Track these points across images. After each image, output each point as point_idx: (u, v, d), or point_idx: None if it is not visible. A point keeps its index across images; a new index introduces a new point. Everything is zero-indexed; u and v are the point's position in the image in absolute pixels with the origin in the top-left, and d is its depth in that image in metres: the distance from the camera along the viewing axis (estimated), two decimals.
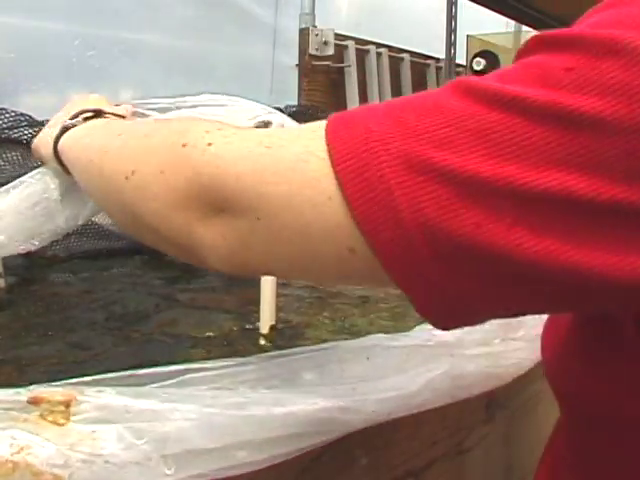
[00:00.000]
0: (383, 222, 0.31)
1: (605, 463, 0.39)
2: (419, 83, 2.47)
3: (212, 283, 0.88)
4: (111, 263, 0.96)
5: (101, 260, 0.97)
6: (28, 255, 0.92)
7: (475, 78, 0.32)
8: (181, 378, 0.41)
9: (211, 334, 0.68)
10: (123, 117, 0.59)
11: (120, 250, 1.01)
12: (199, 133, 0.39)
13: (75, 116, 0.55)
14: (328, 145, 0.34)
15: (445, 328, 0.35)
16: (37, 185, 0.61)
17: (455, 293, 0.32)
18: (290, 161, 0.35)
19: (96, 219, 1.00)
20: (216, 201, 0.36)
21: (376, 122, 0.33)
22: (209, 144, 0.38)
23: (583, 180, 0.28)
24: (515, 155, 0.29)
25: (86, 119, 0.55)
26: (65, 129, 0.55)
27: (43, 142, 0.59)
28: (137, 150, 0.43)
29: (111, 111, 0.58)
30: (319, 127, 0.35)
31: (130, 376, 0.41)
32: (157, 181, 0.39)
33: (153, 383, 0.40)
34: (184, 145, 0.38)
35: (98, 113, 0.56)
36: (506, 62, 2.49)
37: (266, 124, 0.64)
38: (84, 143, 0.51)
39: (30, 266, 0.91)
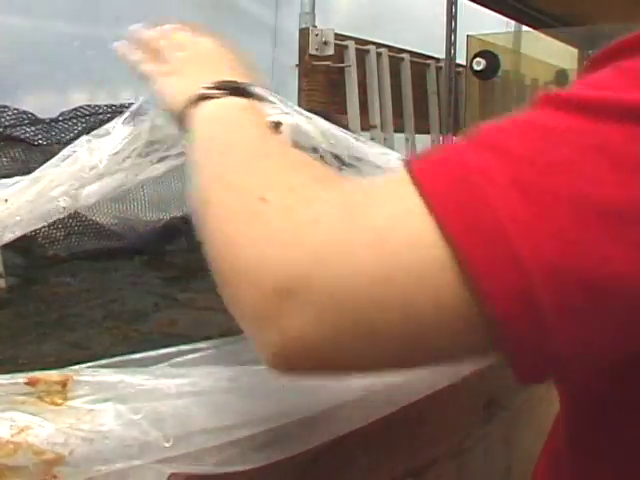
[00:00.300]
0: (497, 265, 0.27)
1: (603, 457, 0.38)
2: (419, 83, 2.47)
3: (212, 283, 0.88)
4: (112, 263, 0.96)
5: (102, 260, 0.97)
6: (29, 255, 0.92)
7: (571, 90, 0.29)
8: (175, 360, 0.42)
9: (209, 334, 0.68)
10: (270, 102, 0.54)
11: (121, 250, 1.01)
12: (282, 190, 0.34)
13: (218, 87, 0.49)
14: (422, 194, 0.29)
15: (533, 382, 0.30)
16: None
17: (575, 345, 0.28)
18: (381, 226, 0.29)
19: (97, 219, 1.00)
20: (287, 281, 0.30)
21: (471, 155, 0.29)
22: (289, 208, 0.32)
23: None
24: None
25: (228, 92, 0.49)
26: (203, 97, 0.49)
27: (174, 91, 0.53)
28: (220, 180, 0.38)
29: (258, 92, 0.51)
30: (402, 177, 0.30)
31: (123, 362, 0.41)
32: (223, 230, 0.35)
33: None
34: (262, 199, 0.33)
35: (241, 91, 0.49)
36: (506, 62, 2.49)
37: (277, 125, 0.64)
38: (205, 129, 0.47)
39: (31, 266, 0.91)
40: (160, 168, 0.62)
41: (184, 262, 1.01)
